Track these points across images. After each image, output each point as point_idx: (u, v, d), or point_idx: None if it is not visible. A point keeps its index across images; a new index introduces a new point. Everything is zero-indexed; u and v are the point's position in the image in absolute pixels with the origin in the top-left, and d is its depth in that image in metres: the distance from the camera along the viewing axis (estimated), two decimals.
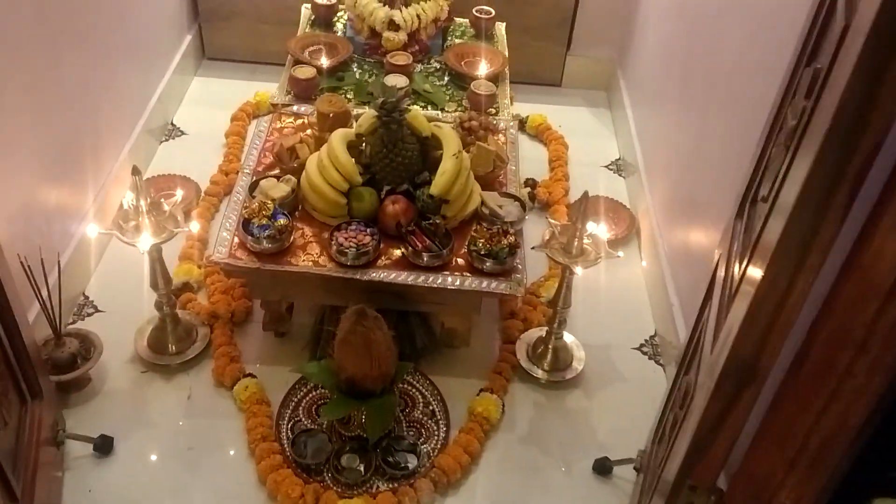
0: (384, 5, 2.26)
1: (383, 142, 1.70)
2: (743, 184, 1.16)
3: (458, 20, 2.49)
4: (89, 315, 1.87)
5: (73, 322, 1.85)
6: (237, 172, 2.26)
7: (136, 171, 1.50)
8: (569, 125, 2.70)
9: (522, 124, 2.63)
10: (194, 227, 1.57)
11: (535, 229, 1.99)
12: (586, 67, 2.86)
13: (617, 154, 2.62)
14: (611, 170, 2.56)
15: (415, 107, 1.76)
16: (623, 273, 2.14)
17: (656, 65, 2.36)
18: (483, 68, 2.24)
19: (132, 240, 1.52)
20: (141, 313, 1.83)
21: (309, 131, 1.95)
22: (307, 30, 2.39)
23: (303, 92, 2.09)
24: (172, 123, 2.53)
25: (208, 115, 2.57)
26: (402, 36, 2.24)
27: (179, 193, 1.59)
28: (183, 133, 2.51)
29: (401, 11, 2.24)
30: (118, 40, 2.16)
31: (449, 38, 2.43)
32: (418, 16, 2.25)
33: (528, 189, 2.32)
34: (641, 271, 2.16)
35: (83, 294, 1.92)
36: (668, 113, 2.21)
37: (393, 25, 2.24)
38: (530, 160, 2.48)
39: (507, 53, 2.39)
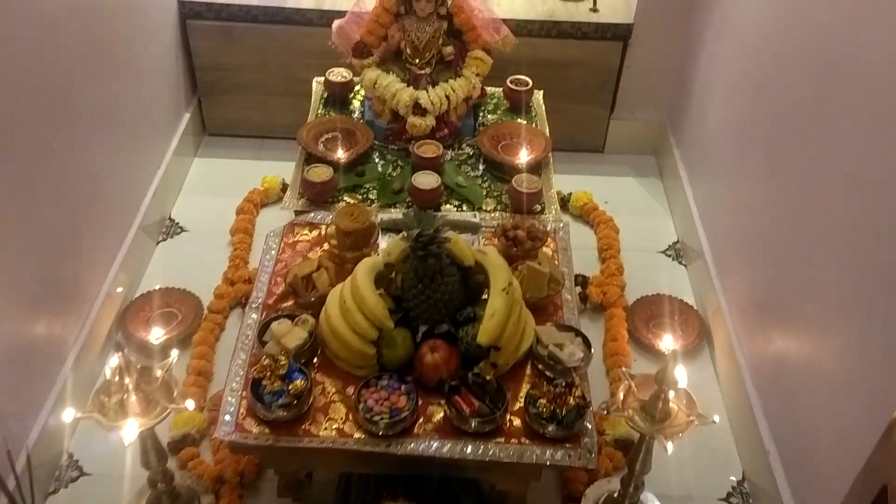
0: (408, 85, 1.99)
1: (418, 275, 1.42)
2: None
3: (490, 89, 2.21)
4: (73, 480, 1.60)
5: (55, 491, 1.58)
6: (245, 281, 1.99)
7: (119, 347, 1.24)
8: (616, 200, 2.41)
9: (565, 203, 2.35)
10: (190, 404, 1.30)
11: (591, 332, 1.70)
12: (632, 131, 2.58)
13: (674, 236, 2.33)
14: (669, 256, 2.27)
15: (452, 232, 1.48)
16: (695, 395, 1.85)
17: (721, 129, 2.07)
18: (524, 155, 1.96)
19: (115, 422, 1.25)
20: (133, 478, 1.56)
21: (327, 245, 1.68)
22: (319, 111, 2.13)
23: (318, 196, 1.82)
24: (171, 218, 2.27)
25: (211, 206, 2.31)
26: (429, 120, 1.97)
27: (174, 355, 1.32)
28: (183, 230, 2.25)
29: (427, 92, 1.97)
30: (110, 130, 1.90)
31: (481, 115, 2.16)
32: (447, 96, 1.98)
33: (579, 289, 2.03)
34: (720, 393, 1.87)
35: (66, 453, 1.65)
36: (741, 187, 1.91)
37: (419, 109, 1.97)
38: (576, 248, 2.17)
39: (547, 132, 2.11)
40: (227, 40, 2.36)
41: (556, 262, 1.71)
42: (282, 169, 2.35)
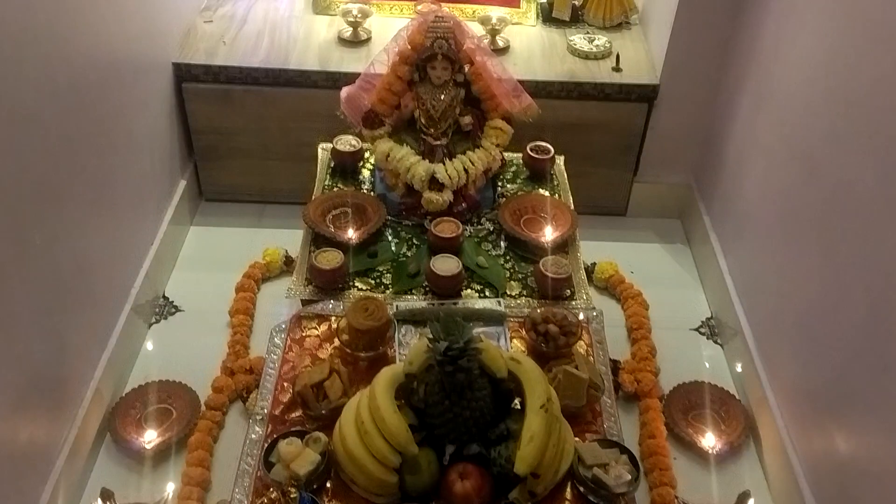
0: (423, 157, 1.86)
1: (445, 390, 1.28)
2: None
3: (509, 155, 2.08)
4: None
5: None
6: (245, 371, 1.84)
7: (105, 496, 1.09)
8: (642, 269, 2.28)
9: (589, 274, 2.21)
10: None
11: (624, 424, 1.57)
12: (656, 194, 2.45)
13: (707, 310, 2.19)
14: (703, 334, 2.13)
15: (483, 338, 1.34)
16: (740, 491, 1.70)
17: (762, 200, 1.93)
18: (549, 232, 1.83)
19: None
20: None
21: (338, 342, 1.54)
22: (326, 183, 1.99)
23: (328, 283, 1.68)
24: (165, 297, 2.12)
25: (208, 281, 2.16)
26: (446, 195, 1.84)
27: (169, 491, 1.17)
28: (177, 309, 2.10)
29: (445, 166, 1.85)
30: (98, 210, 1.76)
31: (500, 184, 2.03)
32: (466, 169, 1.85)
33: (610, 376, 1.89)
34: (770, 499, 1.72)
35: None
36: (789, 262, 1.77)
37: (435, 184, 1.84)
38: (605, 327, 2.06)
39: (571, 203, 1.98)
40: (225, 103, 2.24)
41: (592, 359, 1.57)
42: (284, 238, 2.21)
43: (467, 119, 1.86)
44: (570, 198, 2.01)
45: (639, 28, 2.47)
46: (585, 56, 2.30)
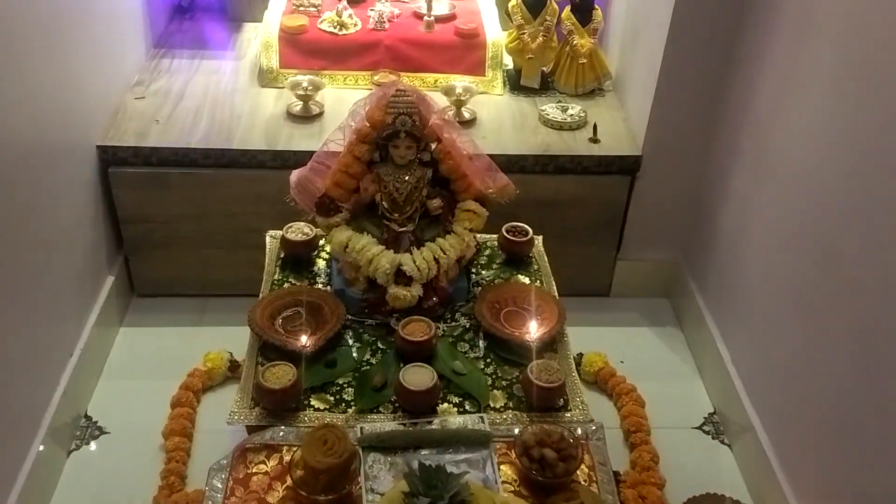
0: (387, 247, 1.64)
1: None
2: None
3: (482, 236, 1.88)
4: None
5: None
6: None
7: None
8: (633, 358, 2.07)
9: (576, 364, 2.00)
10: None
11: None
12: (642, 273, 2.26)
13: (709, 405, 1.98)
14: (707, 432, 1.92)
15: (471, 481, 1.10)
16: None
17: (766, 281, 1.75)
18: (534, 329, 1.62)
19: None
20: None
21: (289, 481, 1.28)
22: (276, 277, 1.76)
23: (278, 405, 1.43)
24: (87, 416, 1.83)
25: (140, 393, 1.89)
26: (415, 290, 1.62)
27: None
28: (102, 431, 1.81)
29: (412, 255, 1.63)
30: (7, 319, 1.51)
31: (474, 270, 1.82)
32: (437, 259, 1.64)
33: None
34: None
35: None
36: (805, 349, 1.58)
37: (402, 277, 1.62)
38: None
39: (555, 290, 1.78)
40: (158, 188, 2.00)
41: (596, 486, 1.34)
42: (229, 337, 1.95)
43: (436, 202, 1.66)
44: (553, 285, 1.81)
45: (613, 95, 2.32)
46: (559, 126, 2.13)
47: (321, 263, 1.81)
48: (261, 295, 1.71)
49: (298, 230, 1.81)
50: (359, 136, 1.61)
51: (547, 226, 1.99)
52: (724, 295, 2.00)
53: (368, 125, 1.61)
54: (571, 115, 2.16)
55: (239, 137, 2.02)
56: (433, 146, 1.65)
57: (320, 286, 1.74)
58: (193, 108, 2.12)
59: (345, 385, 1.51)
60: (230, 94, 2.21)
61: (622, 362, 2.06)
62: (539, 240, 1.92)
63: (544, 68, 2.32)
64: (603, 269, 2.26)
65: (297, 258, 1.80)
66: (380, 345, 1.61)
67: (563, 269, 1.90)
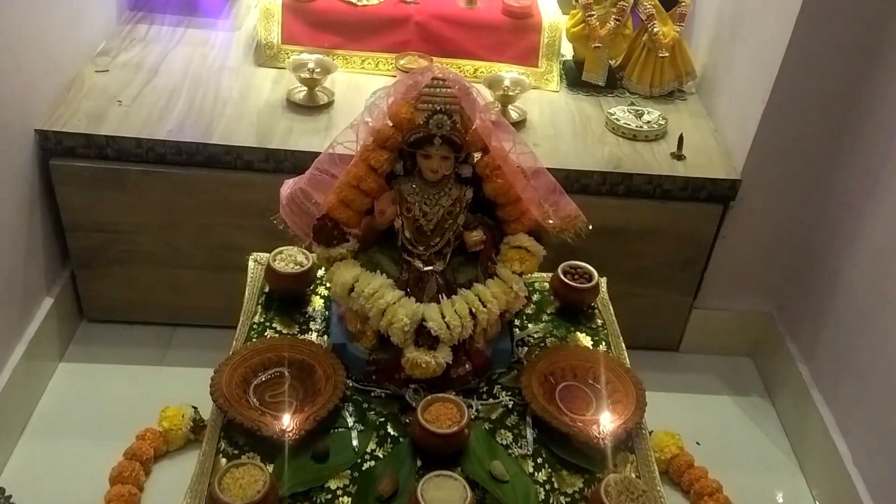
0: (407, 292, 1.24)
1: None
2: None
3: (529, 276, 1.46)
4: None
5: None
6: None
7: None
8: (711, 437, 1.67)
9: None
10: None
11: None
12: (722, 325, 1.85)
13: (811, 502, 1.59)
14: None
15: None
16: None
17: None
18: (605, 420, 1.20)
19: None
20: None
21: None
22: (256, 320, 1.36)
23: None
24: (0, 490, 1.45)
25: (72, 460, 1.49)
26: (442, 356, 1.21)
27: None
28: None
29: (441, 307, 1.23)
30: None
31: (518, 322, 1.41)
32: (474, 313, 1.23)
33: None
34: None
35: None
36: None
37: (425, 337, 1.21)
38: None
39: (626, 358, 1.37)
40: (115, 189, 1.60)
41: None
42: (196, 381, 1.49)
43: (477, 235, 1.25)
44: (623, 349, 1.40)
45: (696, 99, 1.91)
46: (633, 136, 1.72)
47: (317, 303, 1.41)
48: (233, 345, 1.31)
49: (290, 258, 1.40)
50: (377, 140, 1.20)
51: (610, 261, 1.58)
52: (839, 363, 1.58)
53: (391, 125, 1.19)
54: (648, 121, 1.75)
55: (222, 129, 1.62)
56: (477, 157, 1.24)
57: (314, 337, 1.34)
58: (168, 89, 1.72)
59: (339, 491, 1.10)
60: (216, 72, 1.81)
61: (698, 444, 1.66)
62: (603, 284, 1.51)
63: (612, 61, 1.91)
64: (674, 318, 1.85)
65: (287, 295, 1.40)
66: (390, 429, 1.20)
67: (624, 315, 1.49)
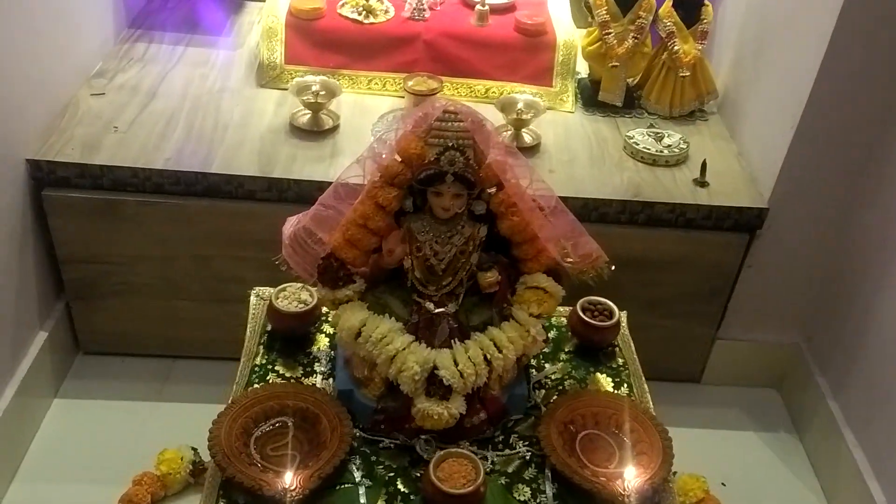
0: (416, 337, 1.18)
1: None
2: None
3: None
4: None
5: None
6: None
7: None
8: (738, 477, 1.62)
9: None
10: None
11: None
12: (745, 356, 1.78)
13: None
14: None
15: None
16: None
17: None
18: (630, 475, 1.14)
19: None
20: None
21: None
22: (259, 361, 1.30)
23: None
24: None
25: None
26: (455, 406, 1.15)
27: None
28: None
29: (453, 352, 1.17)
30: None
31: (534, 362, 1.35)
32: (488, 359, 1.18)
33: None
34: None
35: None
36: None
37: (437, 385, 1.16)
38: None
39: (650, 402, 1.31)
40: (111, 220, 1.55)
41: None
42: (196, 417, 1.44)
43: (492, 276, 1.19)
44: (647, 391, 1.34)
45: (717, 120, 1.85)
46: (652, 161, 1.66)
47: (322, 342, 1.35)
48: (234, 391, 1.25)
49: (294, 296, 1.35)
50: (385, 177, 1.15)
51: (630, 291, 1.52)
52: (872, 400, 1.52)
53: (400, 161, 1.14)
54: (669, 145, 1.69)
55: (222, 157, 1.56)
56: (490, 192, 1.19)
57: (318, 380, 1.28)
58: (167, 113, 1.67)
59: None
60: (217, 95, 1.75)
61: (723, 485, 1.59)
62: (624, 319, 1.44)
63: (630, 80, 1.85)
64: (696, 349, 1.79)
65: (290, 335, 1.34)
66: (400, 485, 1.14)
67: (643, 346, 1.43)
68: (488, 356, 1.17)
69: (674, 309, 1.70)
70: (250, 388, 1.24)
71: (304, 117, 1.68)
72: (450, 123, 1.12)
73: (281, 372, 1.29)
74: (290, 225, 1.22)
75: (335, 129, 1.67)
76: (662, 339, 1.74)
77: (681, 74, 1.77)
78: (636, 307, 1.49)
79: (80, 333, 1.71)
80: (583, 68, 1.90)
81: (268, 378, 1.27)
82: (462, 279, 1.20)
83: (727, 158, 1.71)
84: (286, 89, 1.76)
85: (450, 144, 1.11)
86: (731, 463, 1.66)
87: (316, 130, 1.66)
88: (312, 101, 1.64)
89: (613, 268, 1.20)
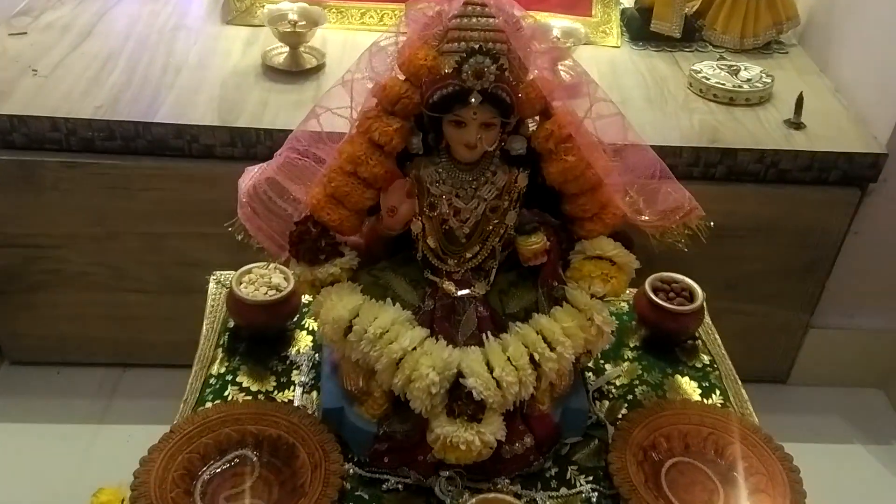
0: (433, 333, 0.84)
1: None
2: None
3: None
4: None
5: None
6: None
7: None
8: (839, 496, 1.28)
9: None
10: None
11: None
12: (845, 347, 1.47)
13: None
14: None
15: None
16: None
17: None
18: None
19: None
20: None
21: None
22: (215, 370, 0.97)
23: None
24: None
25: None
26: (491, 431, 0.81)
27: None
28: None
29: (485, 352, 0.83)
30: None
31: (591, 362, 1.01)
32: (535, 358, 0.83)
33: None
34: None
35: None
36: None
37: (465, 401, 0.82)
38: None
39: (755, 416, 0.98)
40: (29, 189, 1.23)
41: None
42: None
43: (537, 242, 0.85)
44: (747, 401, 1.01)
45: (800, 51, 1.52)
46: (729, 99, 1.32)
47: (303, 343, 1.02)
48: (177, 415, 0.92)
49: (262, 280, 1.01)
50: (383, 102, 0.81)
51: (702, 268, 1.17)
52: None
53: (403, 78, 0.81)
54: (748, 79, 1.35)
55: (171, 104, 1.24)
56: (534, 123, 0.85)
57: (297, 395, 0.95)
58: (102, 55, 1.36)
59: None
60: (170, 33, 1.44)
61: None
62: (700, 299, 1.10)
63: (688, 5, 1.51)
64: (784, 340, 1.47)
65: (259, 334, 1.01)
66: None
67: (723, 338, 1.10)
68: (535, 356, 0.83)
69: (756, 289, 1.39)
70: (199, 410, 0.91)
71: (280, 55, 1.36)
72: (475, 19, 0.79)
73: (245, 385, 0.96)
74: (250, 176, 0.89)
75: (319, 69, 1.35)
76: (741, 327, 1.40)
77: None
78: (710, 287, 1.15)
79: (2, 338, 1.39)
80: None
81: (226, 394, 0.94)
82: (494, 248, 0.86)
83: (822, 96, 1.38)
84: (259, 25, 1.43)
85: (475, 48, 0.78)
86: (831, 481, 1.33)
87: (294, 71, 1.33)
88: (290, 31, 1.31)
89: (711, 223, 0.87)
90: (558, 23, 1.39)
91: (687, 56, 1.48)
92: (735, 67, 1.38)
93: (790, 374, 1.51)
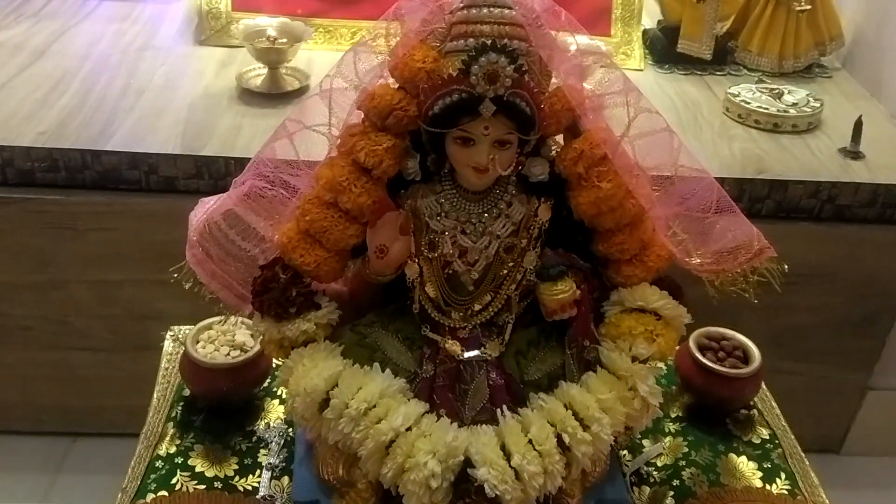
0: (432, 408, 0.67)
1: None
2: None
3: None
4: None
5: None
6: None
7: None
8: None
9: None
10: None
11: None
12: None
13: None
14: None
15: None
16: None
17: None
18: None
19: None
20: None
21: None
22: (164, 450, 0.80)
23: None
24: None
25: None
26: None
27: None
28: None
29: (501, 436, 0.66)
30: None
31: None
32: (565, 442, 0.66)
33: None
34: None
35: None
36: None
37: (474, 497, 0.64)
38: None
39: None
40: None
41: None
42: None
43: (564, 291, 0.69)
44: (819, 487, 0.84)
45: (845, 75, 1.37)
46: (773, 125, 1.17)
47: (273, 414, 0.85)
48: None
49: (223, 338, 0.85)
50: (371, 114, 0.66)
51: (745, 321, 1.02)
52: None
53: (396, 85, 0.65)
54: (794, 103, 1.20)
55: (127, 130, 1.09)
56: (558, 143, 0.69)
57: (264, 482, 0.78)
58: (55, 76, 1.21)
59: None
60: (135, 54, 1.31)
61: None
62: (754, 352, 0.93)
63: (720, 25, 1.37)
64: (838, 404, 1.30)
65: (219, 404, 0.84)
66: None
67: None
68: (564, 437, 0.67)
69: (807, 345, 1.22)
70: (139, 503, 0.73)
71: (258, 77, 1.21)
72: (486, 10, 0.65)
73: (199, 469, 0.79)
74: (204, 209, 0.73)
75: (301, 91, 1.20)
76: (788, 389, 1.22)
77: (798, 8, 1.30)
78: (755, 343, 0.99)
79: None
80: (651, 14, 1.44)
81: (173, 481, 0.77)
82: (510, 298, 0.70)
83: (878, 122, 1.24)
84: (237, 45, 1.29)
85: (487, 44, 0.62)
86: None
87: (274, 93, 1.18)
88: (268, 47, 1.16)
89: (784, 266, 0.71)
90: (577, 38, 1.26)
91: (719, 80, 1.34)
92: (778, 91, 1.24)
93: (844, 443, 1.34)
